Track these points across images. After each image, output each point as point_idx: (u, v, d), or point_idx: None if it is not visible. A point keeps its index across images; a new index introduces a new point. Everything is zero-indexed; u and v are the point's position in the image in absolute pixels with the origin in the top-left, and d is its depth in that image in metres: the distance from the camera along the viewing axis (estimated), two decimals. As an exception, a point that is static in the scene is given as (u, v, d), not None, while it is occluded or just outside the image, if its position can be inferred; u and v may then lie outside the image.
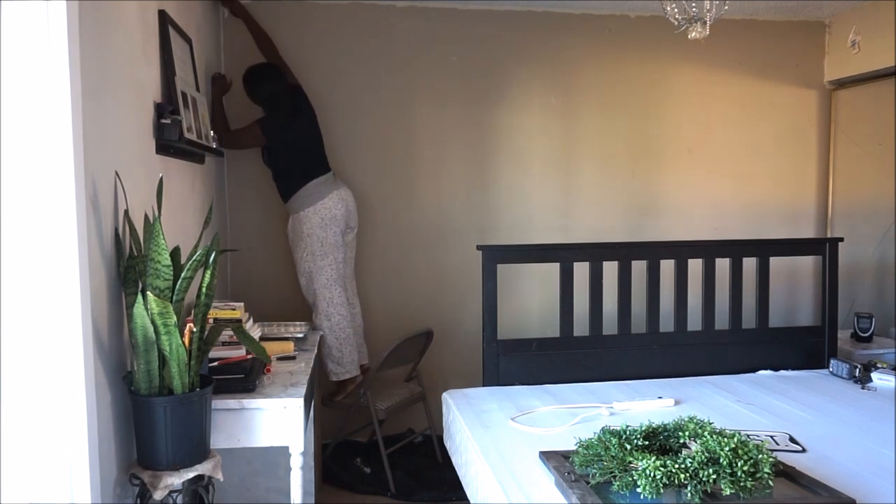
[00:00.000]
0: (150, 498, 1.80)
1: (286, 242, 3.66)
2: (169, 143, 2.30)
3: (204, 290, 1.94)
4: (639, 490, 1.68)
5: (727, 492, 1.66)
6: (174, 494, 1.86)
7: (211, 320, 2.37)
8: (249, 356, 2.34)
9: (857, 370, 3.05)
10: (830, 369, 3.18)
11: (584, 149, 4.06)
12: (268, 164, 3.55)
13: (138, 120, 2.10)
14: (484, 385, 3.03)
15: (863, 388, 2.96)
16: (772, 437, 2.33)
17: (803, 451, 2.24)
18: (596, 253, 3.19)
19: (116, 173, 1.87)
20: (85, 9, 1.64)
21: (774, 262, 3.44)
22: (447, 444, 2.84)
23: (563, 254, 3.16)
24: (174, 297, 1.83)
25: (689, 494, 1.68)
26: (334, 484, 3.42)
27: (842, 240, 3.44)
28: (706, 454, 1.73)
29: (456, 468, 2.63)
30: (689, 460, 1.71)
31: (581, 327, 3.19)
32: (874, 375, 3.03)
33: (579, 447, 1.92)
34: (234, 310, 2.49)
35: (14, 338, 1.55)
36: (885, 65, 3.72)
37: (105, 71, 1.82)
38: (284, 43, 3.73)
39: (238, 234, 3.76)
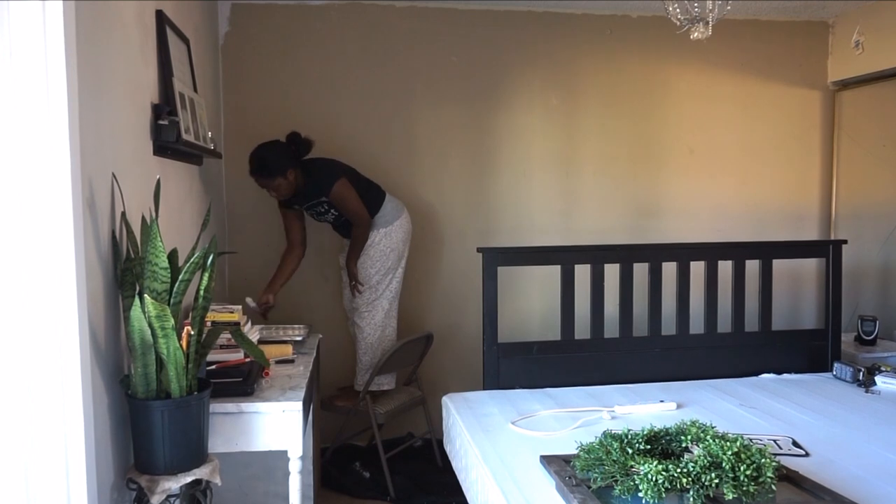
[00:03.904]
0: (148, 502, 1.78)
1: (284, 244, 3.65)
2: (166, 144, 2.29)
3: (202, 292, 1.93)
4: (641, 494, 1.68)
5: (730, 496, 1.65)
6: (172, 499, 1.85)
7: (209, 323, 2.35)
8: (248, 359, 2.32)
9: (861, 373, 3.03)
10: (834, 373, 3.16)
11: (585, 150, 4.05)
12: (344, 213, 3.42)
13: (135, 121, 2.09)
14: (484, 388, 3.02)
15: (866, 391, 2.95)
16: (775, 441, 2.31)
17: (806, 455, 2.22)
18: (597, 255, 3.17)
19: (113, 175, 1.86)
20: (82, 9, 1.63)
21: (777, 264, 3.42)
22: (447, 448, 2.83)
23: (564, 256, 3.14)
24: (172, 300, 1.81)
25: (691, 499, 1.67)
26: (333, 488, 3.40)
27: (845, 242, 3.42)
28: (708, 458, 1.72)
29: (456, 472, 2.61)
30: (692, 464, 1.70)
31: (582, 330, 3.17)
32: (878, 379, 3.01)
33: (580, 451, 1.91)
34: (232, 313, 2.47)
35: (10, 341, 1.54)
36: (889, 65, 3.71)
37: (102, 72, 1.81)
38: (284, 45, 3.73)
39: (236, 237, 3.75)
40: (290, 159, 3.28)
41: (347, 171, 3.42)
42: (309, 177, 3.33)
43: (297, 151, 3.33)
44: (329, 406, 3.54)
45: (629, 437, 1.90)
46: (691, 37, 2.66)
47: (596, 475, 1.80)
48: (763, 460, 1.72)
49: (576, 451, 1.94)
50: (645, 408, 2.65)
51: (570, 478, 1.88)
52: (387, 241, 3.45)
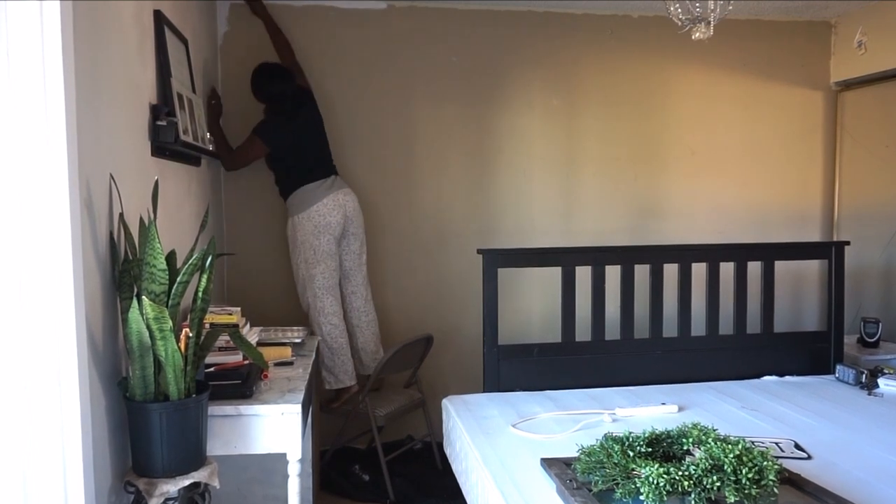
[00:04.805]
0: (145, 506, 1.77)
1: (283, 246, 3.65)
2: (164, 145, 2.28)
3: (200, 294, 1.92)
4: (642, 498, 1.67)
5: (731, 499, 1.64)
6: (170, 502, 1.84)
7: (207, 325, 2.33)
8: (246, 362, 2.31)
9: (864, 376, 3.02)
10: (836, 375, 3.15)
11: (586, 151, 4.04)
12: (270, 167, 3.54)
13: (133, 122, 2.08)
14: (484, 391, 3.00)
15: (869, 394, 2.93)
16: (777, 443, 2.30)
17: (809, 458, 2.21)
18: (598, 257, 3.15)
19: (111, 176, 1.85)
20: (79, 9, 1.63)
21: (780, 266, 3.40)
22: (447, 451, 2.82)
23: (565, 257, 3.13)
24: (170, 302, 1.81)
25: (692, 502, 1.65)
26: (332, 491, 3.39)
27: (848, 243, 3.40)
28: (710, 461, 1.71)
29: (456, 475, 2.60)
30: (693, 467, 1.69)
31: (583, 332, 3.15)
32: (881, 381, 3.00)
33: (581, 454, 1.90)
34: (230, 314, 2.46)
35: (7, 343, 1.53)
36: (892, 66, 3.69)
37: (100, 72, 1.80)
38: (284, 45, 3.72)
39: (235, 238, 3.74)
40: (258, 92, 3.42)
41: (287, 141, 3.39)
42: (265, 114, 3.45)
43: (257, 90, 3.42)
44: (328, 409, 3.53)
45: (630, 439, 1.89)
46: (693, 37, 2.65)
47: (597, 478, 1.79)
48: (765, 463, 1.71)
49: (577, 454, 1.93)
50: (646, 410, 2.64)
51: (570, 481, 1.87)
52: (297, 232, 3.42)
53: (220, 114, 3.49)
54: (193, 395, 1.84)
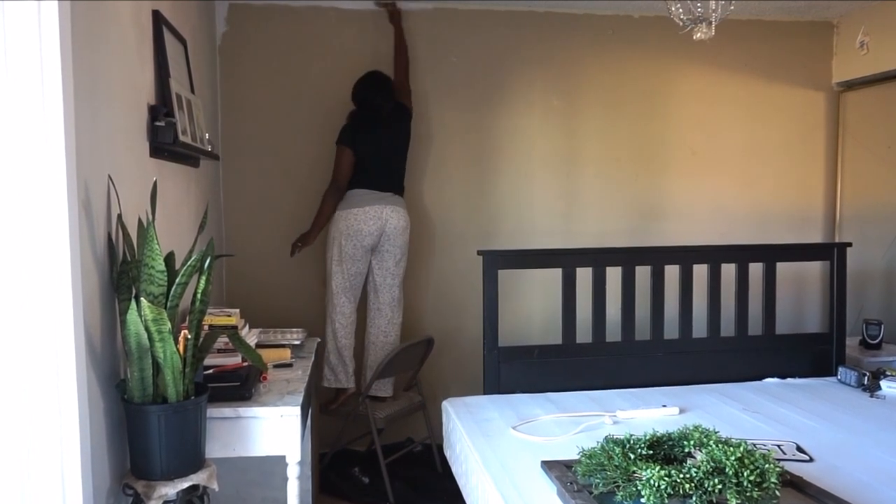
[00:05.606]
0: (144, 509, 1.77)
1: (282, 247, 3.64)
2: (163, 146, 2.28)
3: (199, 296, 1.92)
4: (643, 500, 1.66)
5: (733, 502, 1.63)
6: (168, 504, 1.83)
7: (206, 327, 2.32)
8: (245, 364, 2.30)
9: (866, 378, 3.00)
10: (838, 377, 3.13)
11: (587, 151, 4.03)
12: None
13: (132, 122, 2.08)
14: (485, 393, 2.99)
15: (871, 396, 2.92)
16: (778, 446, 2.29)
17: (811, 460, 2.20)
18: (599, 258, 3.15)
19: (110, 177, 1.85)
20: (77, 9, 1.62)
21: (781, 267, 3.39)
22: (447, 454, 2.81)
23: (566, 259, 3.12)
24: (168, 304, 1.80)
25: (694, 505, 1.64)
26: (332, 494, 3.38)
27: (850, 245, 3.40)
28: (711, 464, 1.70)
29: (456, 478, 2.59)
30: (694, 470, 1.68)
31: (584, 334, 3.14)
32: (883, 383, 2.98)
33: (582, 456, 1.90)
34: (229, 316, 2.45)
35: (5, 345, 1.52)
36: (894, 66, 3.68)
37: (98, 73, 1.79)
38: (282, 45, 3.72)
39: (234, 239, 3.73)
40: (355, 94, 3.54)
41: (362, 145, 3.47)
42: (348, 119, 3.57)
43: (355, 92, 3.54)
44: (328, 411, 3.52)
45: (631, 442, 1.89)
46: (694, 37, 2.64)
47: (598, 481, 1.78)
48: (767, 466, 1.70)
49: (577, 457, 1.92)
50: (647, 412, 2.63)
51: (571, 483, 1.86)
52: (332, 227, 3.49)
53: (307, 237, 3.56)
54: (192, 398, 1.84)
